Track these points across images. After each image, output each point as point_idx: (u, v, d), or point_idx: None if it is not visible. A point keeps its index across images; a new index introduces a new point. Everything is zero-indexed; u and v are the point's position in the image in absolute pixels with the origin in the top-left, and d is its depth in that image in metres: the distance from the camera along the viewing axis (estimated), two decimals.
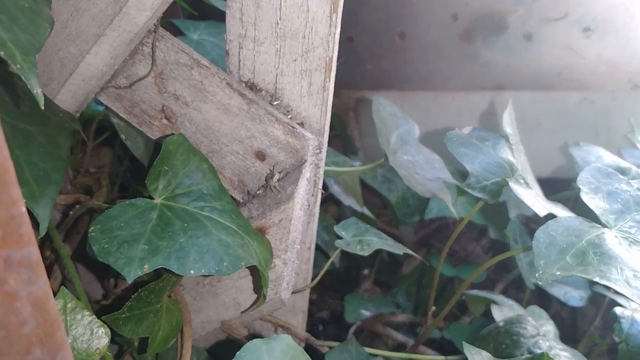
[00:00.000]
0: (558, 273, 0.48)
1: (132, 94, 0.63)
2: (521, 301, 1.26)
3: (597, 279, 0.47)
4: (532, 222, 1.38)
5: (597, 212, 0.56)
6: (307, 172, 0.59)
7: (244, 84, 0.61)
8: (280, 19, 0.56)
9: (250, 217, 0.61)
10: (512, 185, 0.64)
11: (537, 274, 0.49)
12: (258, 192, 0.62)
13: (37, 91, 0.39)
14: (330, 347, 0.76)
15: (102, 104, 0.67)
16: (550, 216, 0.61)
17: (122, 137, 0.73)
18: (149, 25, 0.58)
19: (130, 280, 0.45)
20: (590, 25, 1.28)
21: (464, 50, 1.40)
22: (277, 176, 0.59)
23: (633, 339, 0.72)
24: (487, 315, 1.11)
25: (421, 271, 1.27)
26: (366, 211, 1.03)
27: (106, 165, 0.84)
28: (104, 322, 0.50)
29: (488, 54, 1.40)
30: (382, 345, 1.22)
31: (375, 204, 1.44)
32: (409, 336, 1.18)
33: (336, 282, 1.30)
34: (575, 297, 0.91)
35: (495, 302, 0.81)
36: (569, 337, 0.96)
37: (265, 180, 0.61)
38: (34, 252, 0.29)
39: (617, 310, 0.78)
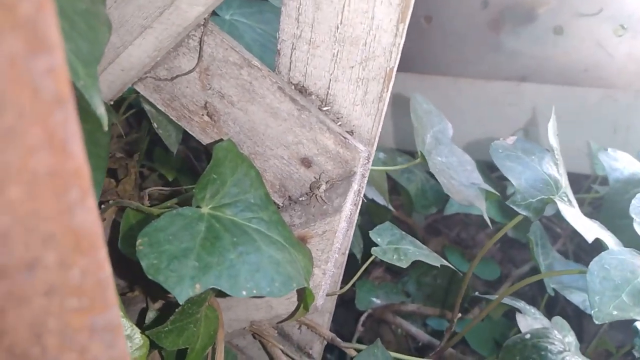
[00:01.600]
0: (615, 313, 0.48)
1: (172, 87, 0.60)
2: (534, 298, 1.27)
3: None
4: (551, 222, 1.37)
5: None
6: (355, 185, 0.57)
7: (293, 86, 0.58)
8: (341, 23, 0.53)
9: (291, 224, 0.59)
10: (560, 205, 0.62)
11: (592, 311, 0.48)
12: (301, 199, 0.60)
13: (101, 111, 0.36)
14: (355, 350, 0.75)
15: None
16: (599, 240, 0.59)
17: (155, 125, 0.70)
18: (200, 19, 0.55)
19: (182, 301, 0.44)
20: (624, 23, 1.24)
21: (490, 38, 1.37)
22: (324, 186, 0.57)
23: None
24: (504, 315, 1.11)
25: None
26: (389, 206, 1.01)
27: (135, 151, 0.82)
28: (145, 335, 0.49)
29: (514, 45, 1.36)
30: (391, 334, 1.23)
31: (389, 191, 1.43)
32: (418, 326, 1.18)
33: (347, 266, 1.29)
34: None
35: (519, 311, 0.80)
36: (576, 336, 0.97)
37: (310, 188, 0.59)
38: (117, 314, 0.27)
39: (639, 325, 0.79)
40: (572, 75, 1.35)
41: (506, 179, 1.38)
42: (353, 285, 1.18)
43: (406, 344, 1.20)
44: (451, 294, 1.22)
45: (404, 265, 0.65)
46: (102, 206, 0.65)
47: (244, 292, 0.46)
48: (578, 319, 1.22)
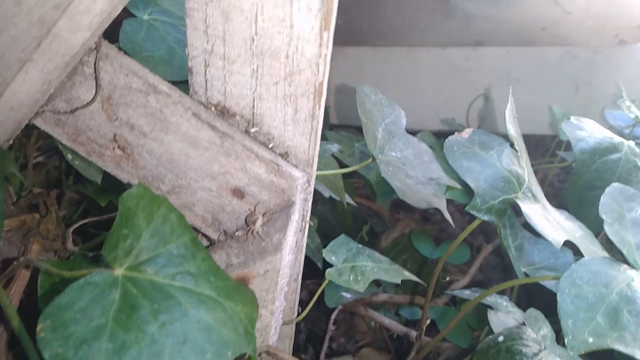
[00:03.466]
0: (591, 340, 0.43)
1: (75, 120, 0.52)
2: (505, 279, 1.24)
3: (638, 355, 0.42)
4: None
5: (623, 250, 0.50)
6: (295, 215, 0.50)
7: (213, 107, 0.50)
8: (256, 34, 0.45)
9: (229, 264, 0.52)
10: (524, 206, 0.57)
11: (566, 340, 0.43)
12: (237, 234, 0.53)
13: None
14: None
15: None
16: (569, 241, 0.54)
17: (69, 157, 0.62)
18: (90, 44, 0.46)
19: None
20: None
21: (443, 4, 1.29)
22: (260, 220, 0.50)
23: None
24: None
25: (402, 245, 1.22)
26: (348, 199, 0.95)
27: (55, 177, 0.73)
28: None
29: (468, 8, 1.29)
30: (365, 325, 1.18)
31: (351, 176, 1.36)
32: (391, 316, 1.14)
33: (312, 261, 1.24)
34: None
35: (490, 308, 0.76)
36: (550, 313, 0.93)
37: (245, 222, 0.52)
38: None
39: None
40: (530, 35, 1.29)
41: None
42: (321, 278, 1.13)
43: (381, 335, 1.16)
44: (422, 279, 1.18)
45: (361, 288, 0.59)
46: (15, 262, 0.57)
47: None
48: (542, 291, 1.20)
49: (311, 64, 0.45)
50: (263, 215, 0.51)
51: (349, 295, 1.13)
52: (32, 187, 0.68)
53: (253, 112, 0.49)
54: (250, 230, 0.51)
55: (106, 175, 0.74)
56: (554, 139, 1.32)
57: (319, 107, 0.48)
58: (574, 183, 0.92)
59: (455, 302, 1.08)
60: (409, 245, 1.19)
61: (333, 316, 1.10)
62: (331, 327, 1.09)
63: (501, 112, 1.43)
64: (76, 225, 0.65)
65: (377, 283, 1.20)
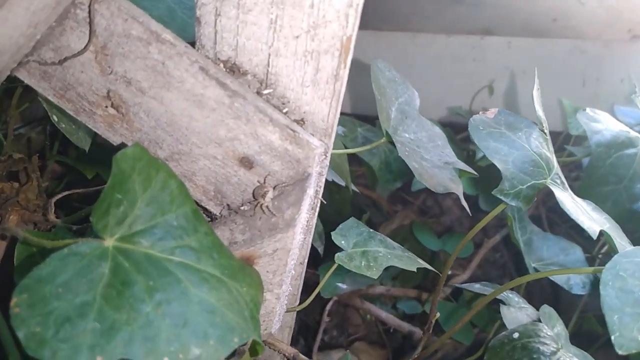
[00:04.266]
0: None
1: (63, 72, 0.46)
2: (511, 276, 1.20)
3: None
4: None
5: None
6: (311, 190, 0.45)
7: (222, 64, 0.44)
8: None
9: (233, 241, 0.46)
10: (557, 192, 0.52)
11: (613, 337, 0.39)
12: (242, 208, 0.47)
13: None
14: None
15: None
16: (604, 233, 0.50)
17: (54, 119, 0.56)
18: None
19: None
20: None
21: None
22: (270, 193, 0.44)
23: None
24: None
25: (402, 236, 1.17)
26: (351, 187, 0.90)
27: (37, 145, 0.66)
28: None
29: None
30: (359, 318, 1.14)
31: (349, 163, 1.31)
32: (388, 309, 1.10)
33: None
34: (578, 284, 0.84)
35: (503, 302, 0.71)
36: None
37: (253, 195, 0.46)
38: None
39: None
40: (540, 25, 1.25)
41: (473, 143, 1.29)
42: (316, 270, 1.08)
43: (376, 329, 1.11)
44: (420, 272, 1.13)
45: (375, 275, 0.54)
46: None
47: None
48: (552, 287, 1.16)
49: (339, 15, 0.40)
50: (274, 188, 0.45)
51: (344, 286, 1.08)
52: (11, 153, 0.62)
53: (267, 71, 0.44)
54: (259, 204, 0.45)
55: (94, 146, 0.68)
56: (559, 135, 1.28)
57: (345, 67, 0.42)
58: (589, 177, 0.88)
59: (457, 297, 1.04)
60: (408, 237, 1.14)
61: (328, 307, 1.05)
62: (325, 318, 1.04)
63: (507, 105, 1.39)
64: (60, 196, 0.59)
65: None
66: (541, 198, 1.26)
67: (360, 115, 1.41)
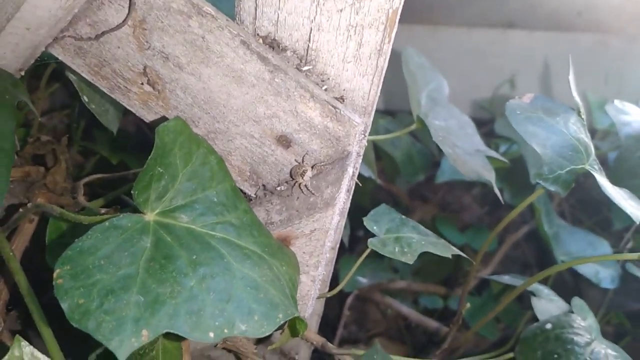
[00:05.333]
0: None
1: (99, 48, 0.45)
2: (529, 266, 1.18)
3: None
4: None
5: None
6: (350, 169, 0.44)
7: (261, 40, 0.43)
8: None
9: (269, 222, 0.46)
10: (599, 179, 0.51)
11: None
12: (279, 189, 0.46)
13: None
14: (351, 355, 0.64)
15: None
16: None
17: (85, 99, 0.55)
18: None
19: (123, 358, 0.30)
20: None
21: None
22: (309, 172, 0.44)
23: None
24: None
25: None
26: (375, 177, 0.88)
27: (63, 127, 0.66)
28: None
29: None
30: (379, 313, 1.12)
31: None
32: (409, 304, 1.08)
33: None
34: (606, 277, 0.82)
35: (533, 294, 0.70)
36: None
37: (290, 175, 0.45)
38: None
39: None
40: (565, 19, 1.23)
41: (496, 136, 1.27)
42: (336, 263, 1.07)
43: (395, 324, 1.10)
44: (442, 267, 1.12)
45: (410, 260, 0.53)
46: (20, 210, 0.50)
47: (212, 335, 0.33)
48: (576, 284, 1.14)
49: None
50: (312, 167, 0.44)
51: (365, 280, 1.07)
52: (39, 134, 0.61)
53: (308, 47, 0.43)
54: (297, 184, 0.44)
55: (118, 134, 0.67)
56: None
57: (389, 41, 0.41)
58: (617, 169, 0.86)
59: (480, 292, 1.02)
60: (431, 229, 1.13)
61: (349, 301, 1.03)
62: (346, 312, 1.02)
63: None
64: (88, 179, 0.58)
65: (394, 269, 1.14)
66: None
67: (379, 109, 1.40)
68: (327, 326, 1.11)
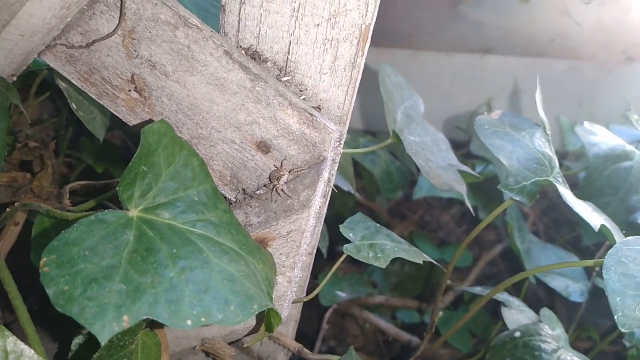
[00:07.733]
0: None
1: (90, 56, 0.48)
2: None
3: None
4: (518, 202, 1.31)
5: None
6: (326, 173, 0.46)
7: (243, 52, 0.46)
8: None
9: (248, 224, 0.48)
10: (561, 189, 0.54)
11: (616, 316, 0.40)
12: (258, 193, 0.49)
13: None
14: None
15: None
16: (604, 228, 0.51)
17: (73, 107, 0.57)
18: None
19: (104, 341, 0.32)
20: None
21: (452, 8, 1.28)
22: (286, 177, 0.46)
23: None
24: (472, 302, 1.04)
25: None
26: (354, 192, 0.91)
27: (50, 139, 0.68)
28: None
29: (478, 15, 1.28)
30: (357, 328, 1.14)
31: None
32: (387, 319, 1.10)
33: None
34: (576, 291, 0.85)
35: (504, 305, 0.72)
36: None
37: (269, 179, 0.48)
38: None
39: None
40: (539, 46, 1.28)
41: (473, 157, 1.31)
42: (316, 278, 1.09)
43: (374, 339, 1.12)
44: (420, 282, 1.14)
45: (383, 265, 0.55)
46: (8, 209, 0.51)
47: (189, 322, 0.35)
48: (550, 300, 1.17)
49: (360, 4, 0.42)
50: (290, 172, 0.47)
51: (344, 295, 1.08)
52: (28, 141, 0.63)
53: (287, 59, 0.46)
54: (275, 188, 0.46)
55: (103, 143, 0.69)
56: (556, 153, 1.30)
57: (362, 55, 0.44)
58: (586, 189, 0.90)
59: (457, 306, 1.04)
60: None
61: (327, 315, 1.05)
62: (325, 326, 1.04)
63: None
64: (74, 184, 0.60)
65: (373, 284, 1.16)
66: (538, 215, 1.28)
67: (362, 130, 1.44)
68: (307, 340, 1.12)
